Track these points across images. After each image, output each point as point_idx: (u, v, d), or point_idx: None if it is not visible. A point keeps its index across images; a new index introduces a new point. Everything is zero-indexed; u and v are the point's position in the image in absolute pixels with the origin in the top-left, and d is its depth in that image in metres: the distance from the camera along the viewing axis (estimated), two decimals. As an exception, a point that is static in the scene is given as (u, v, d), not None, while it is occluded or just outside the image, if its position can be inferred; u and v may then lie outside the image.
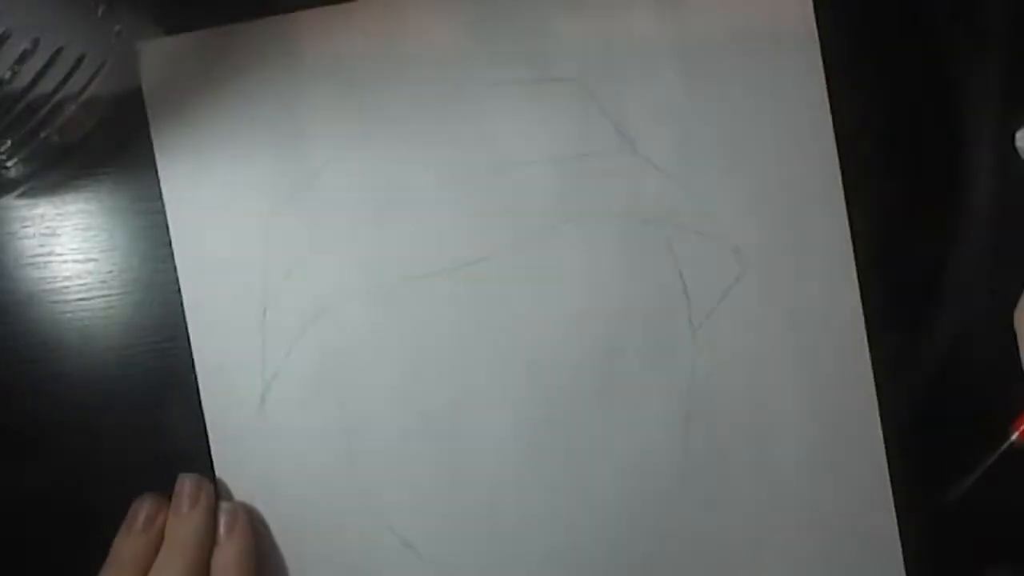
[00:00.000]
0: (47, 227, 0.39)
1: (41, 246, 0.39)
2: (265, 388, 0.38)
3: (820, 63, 0.37)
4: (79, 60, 0.34)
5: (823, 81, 0.37)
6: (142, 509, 0.37)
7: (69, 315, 0.39)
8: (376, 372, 0.38)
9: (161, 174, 0.38)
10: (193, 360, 0.38)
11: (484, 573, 0.38)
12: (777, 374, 0.37)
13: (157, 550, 0.37)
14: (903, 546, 0.37)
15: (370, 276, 0.38)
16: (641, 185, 0.37)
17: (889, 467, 0.37)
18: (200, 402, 0.38)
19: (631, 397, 0.38)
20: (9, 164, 0.36)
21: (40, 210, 0.39)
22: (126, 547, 0.36)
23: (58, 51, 0.33)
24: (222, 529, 0.37)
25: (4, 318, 0.39)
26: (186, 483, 0.37)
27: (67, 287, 0.39)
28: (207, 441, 0.38)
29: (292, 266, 0.38)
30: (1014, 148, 0.36)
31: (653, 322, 0.37)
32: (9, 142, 0.34)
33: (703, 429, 0.37)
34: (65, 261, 0.39)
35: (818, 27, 0.37)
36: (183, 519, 0.37)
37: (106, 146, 0.38)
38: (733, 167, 0.37)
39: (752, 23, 0.37)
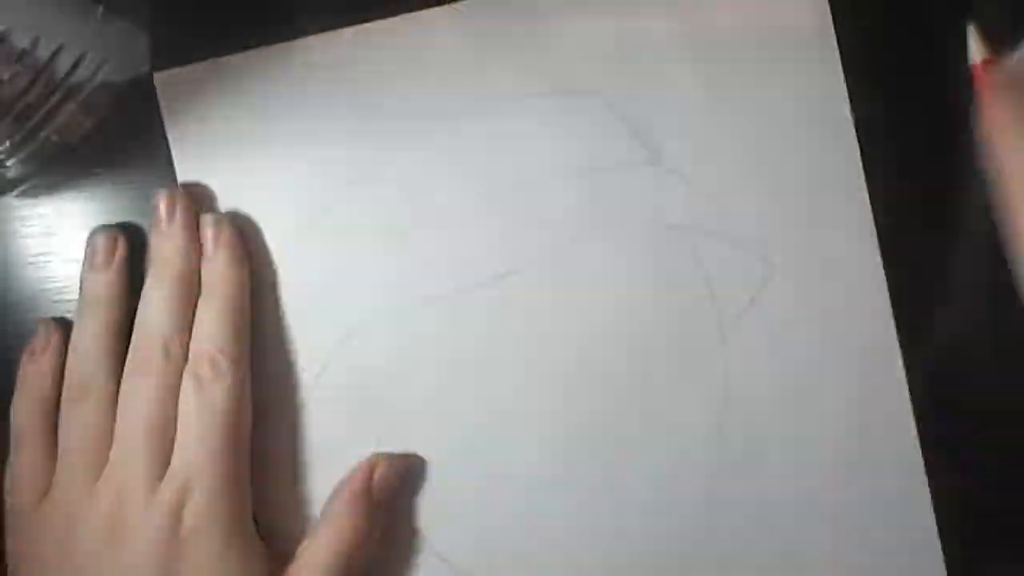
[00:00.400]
0: (47, 227, 0.39)
1: (41, 246, 0.39)
2: (297, 414, 0.38)
3: (839, 62, 0.37)
4: (78, 59, 0.34)
5: (842, 81, 0.37)
6: (97, 243, 0.37)
7: (69, 315, 0.39)
8: (408, 391, 0.38)
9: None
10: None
11: None
12: (809, 375, 0.37)
13: (126, 285, 0.36)
14: (943, 546, 0.37)
15: (398, 295, 0.38)
16: (665, 194, 0.37)
17: (925, 466, 0.37)
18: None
19: (664, 407, 0.37)
20: (8, 163, 0.36)
21: (40, 210, 0.39)
22: (92, 284, 0.37)
23: (57, 50, 0.33)
24: (209, 242, 0.36)
25: (4, 318, 0.39)
26: (162, 197, 0.37)
27: (67, 287, 0.39)
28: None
29: (318, 289, 0.38)
30: None
31: (682, 331, 0.37)
32: (8, 142, 0.34)
33: (738, 436, 0.37)
34: (65, 261, 0.39)
35: (835, 25, 0.37)
36: (164, 236, 0.36)
37: (106, 146, 0.38)
38: (756, 171, 0.37)
39: (768, 25, 0.37)
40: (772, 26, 0.37)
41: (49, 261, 0.39)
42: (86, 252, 0.37)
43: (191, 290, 0.36)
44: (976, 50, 0.35)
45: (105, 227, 0.38)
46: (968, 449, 0.37)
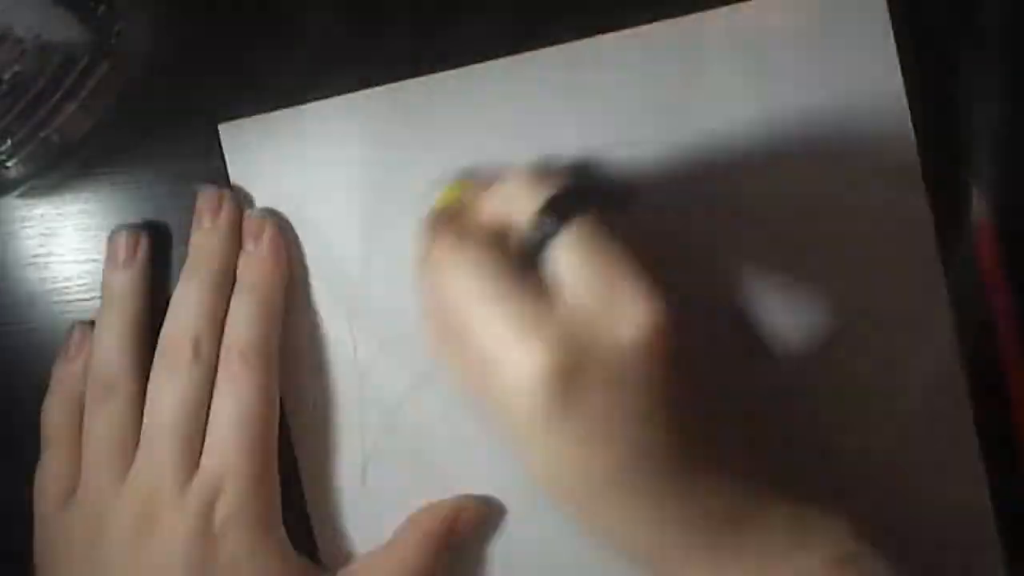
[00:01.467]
0: (47, 227, 0.39)
1: (41, 246, 0.39)
2: (366, 461, 0.38)
3: (898, 70, 0.36)
4: (79, 60, 0.34)
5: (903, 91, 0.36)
6: (118, 241, 0.37)
7: (69, 315, 0.39)
8: (476, 438, 0.37)
9: None
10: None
11: None
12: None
13: (148, 283, 0.37)
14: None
15: None
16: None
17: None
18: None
19: None
20: (9, 164, 0.36)
21: (40, 210, 0.39)
22: (114, 283, 0.37)
23: (58, 51, 0.33)
24: (251, 237, 0.36)
25: (4, 318, 0.39)
26: (207, 194, 0.37)
27: (67, 287, 0.39)
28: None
29: (386, 337, 0.37)
30: None
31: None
32: (9, 142, 0.34)
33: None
34: (65, 261, 0.39)
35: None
36: (205, 233, 0.36)
37: (106, 146, 0.38)
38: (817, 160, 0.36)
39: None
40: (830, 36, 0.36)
41: (49, 261, 0.39)
42: (108, 250, 0.37)
43: (226, 289, 0.36)
44: (978, 208, 0.35)
45: (127, 225, 0.38)
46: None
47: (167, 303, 0.37)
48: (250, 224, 0.37)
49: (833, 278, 0.37)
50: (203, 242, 0.36)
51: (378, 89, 0.37)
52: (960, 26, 0.36)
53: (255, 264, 0.36)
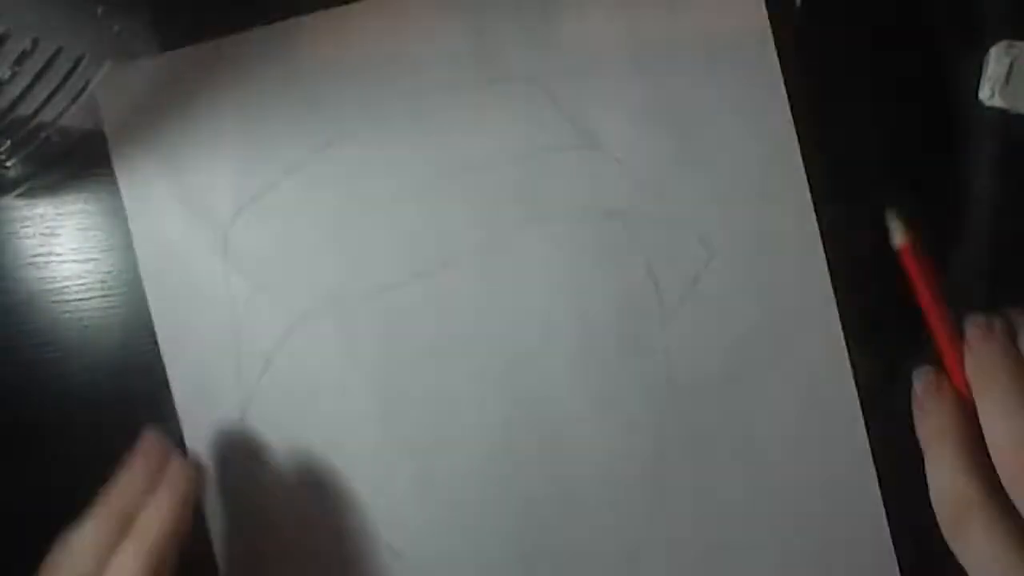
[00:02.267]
0: (47, 227, 0.39)
1: (41, 246, 0.39)
2: (244, 405, 0.38)
3: (772, 45, 0.37)
4: (78, 60, 0.34)
5: (776, 62, 0.37)
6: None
7: (69, 315, 0.39)
8: (352, 381, 0.38)
9: (124, 193, 0.38)
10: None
11: (472, 574, 0.38)
12: (753, 356, 0.37)
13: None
14: (889, 522, 0.37)
15: (338, 287, 0.38)
16: (602, 178, 0.37)
17: (870, 443, 0.37)
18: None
19: (608, 391, 0.38)
20: (9, 164, 0.36)
21: (40, 210, 0.39)
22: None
23: (58, 51, 0.33)
24: (163, 483, 0.35)
25: (4, 318, 0.39)
26: (144, 443, 0.36)
27: (67, 287, 0.39)
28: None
29: (260, 282, 0.38)
30: (978, 101, 0.37)
31: (624, 314, 0.37)
32: (9, 142, 0.34)
33: (681, 419, 0.37)
34: (65, 261, 0.39)
35: (768, 11, 0.37)
36: (126, 475, 0.35)
37: (105, 146, 0.38)
38: (692, 154, 0.37)
39: (705, 14, 0.37)
40: (708, 16, 0.37)
41: (49, 261, 0.39)
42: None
43: (123, 531, 0.35)
44: (899, 234, 0.35)
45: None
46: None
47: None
48: (169, 470, 0.35)
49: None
50: (120, 482, 0.35)
51: (249, 33, 0.38)
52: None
53: (154, 510, 0.35)
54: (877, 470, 0.37)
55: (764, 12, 0.37)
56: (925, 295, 0.34)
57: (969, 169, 0.37)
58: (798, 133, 0.37)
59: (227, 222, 0.38)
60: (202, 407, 0.38)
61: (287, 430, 0.38)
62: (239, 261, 0.38)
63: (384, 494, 0.38)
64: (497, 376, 0.38)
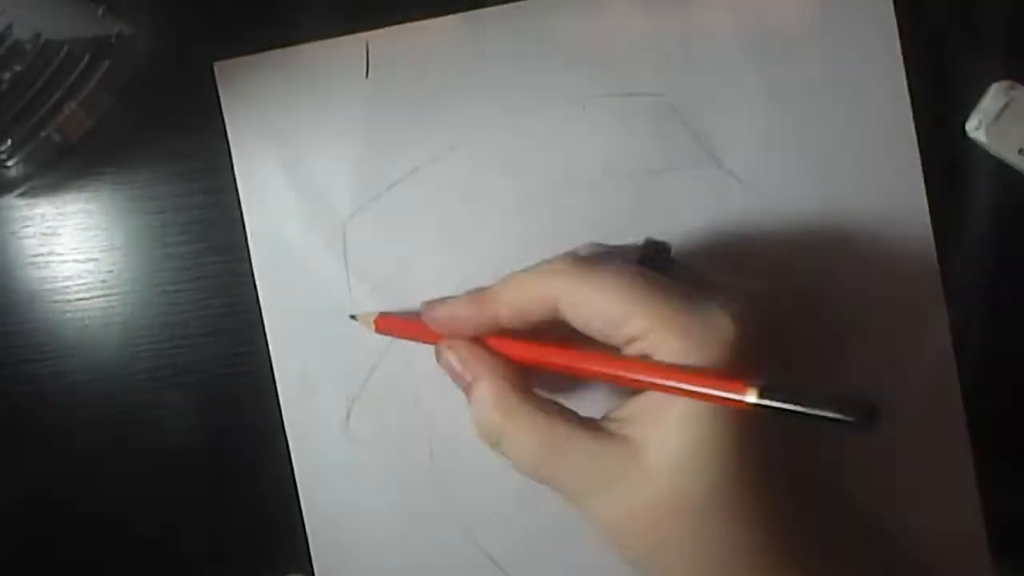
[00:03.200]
0: (47, 227, 0.39)
1: (41, 246, 0.39)
2: (350, 405, 0.38)
3: (903, 70, 0.37)
4: (79, 59, 0.34)
5: (906, 89, 0.37)
6: None
7: (69, 315, 0.39)
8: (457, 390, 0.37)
9: (241, 189, 0.38)
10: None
11: None
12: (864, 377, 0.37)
13: None
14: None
15: (452, 292, 0.37)
16: (724, 197, 0.37)
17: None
18: (195, 400, 0.38)
19: None
20: (9, 163, 0.36)
21: (40, 210, 0.39)
22: None
23: (58, 50, 0.33)
24: None
25: (4, 318, 0.39)
26: None
27: (67, 287, 0.39)
28: (206, 438, 0.38)
29: (376, 281, 0.38)
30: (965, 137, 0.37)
31: None
32: (10, 141, 0.34)
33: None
34: (65, 261, 0.39)
35: (899, 32, 0.37)
36: None
37: (106, 145, 0.38)
38: (815, 176, 0.37)
39: (832, 32, 0.37)
40: (836, 33, 0.37)
41: (50, 261, 0.39)
42: None
43: None
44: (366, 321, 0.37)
45: None
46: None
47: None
48: None
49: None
50: None
51: (378, 31, 0.37)
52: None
53: None
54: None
55: (896, 33, 0.37)
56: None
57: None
58: (922, 155, 0.37)
59: (345, 220, 0.38)
60: (307, 403, 0.38)
61: (392, 431, 0.38)
62: (355, 259, 0.38)
63: (485, 502, 0.38)
64: (602, 391, 0.37)
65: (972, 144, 0.37)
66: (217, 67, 0.38)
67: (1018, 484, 0.37)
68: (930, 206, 0.37)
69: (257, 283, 0.38)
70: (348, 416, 0.38)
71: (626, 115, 0.37)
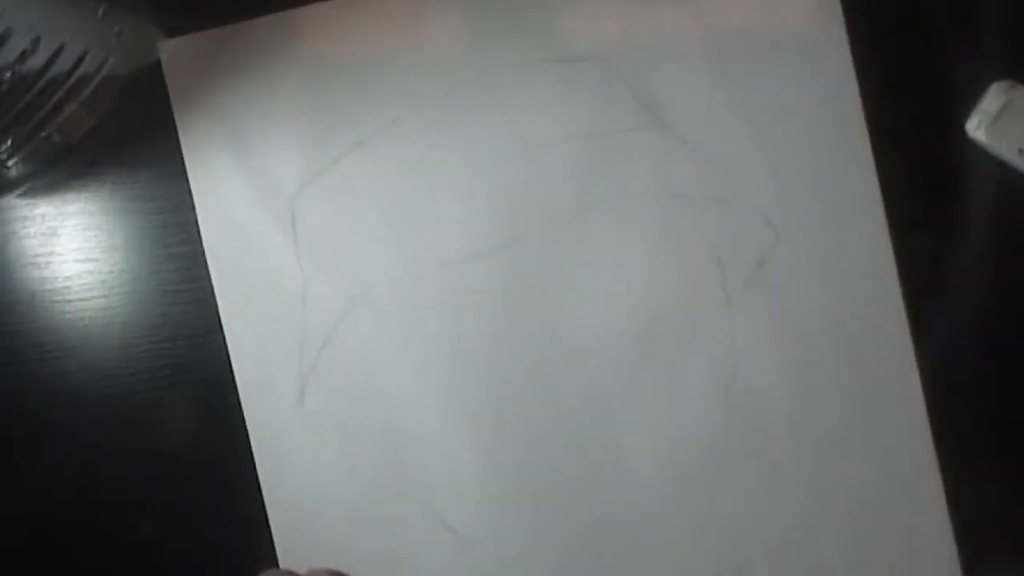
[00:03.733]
0: (48, 227, 0.39)
1: (42, 246, 0.39)
2: (304, 381, 0.38)
3: (844, 31, 0.37)
4: (79, 60, 0.34)
5: (848, 49, 0.37)
6: None
7: (69, 315, 0.39)
8: (413, 359, 0.38)
9: (189, 169, 0.38)
10: (177, 356, 0.38)
11: (526, 555, 0.38)
12: (816, 341, 0.37)
13: None
14: (950, 512, 0.37)
15: (401, 263, 0.38)
16: (669, 161, 0.37)
17: (932, 432, 0.37)
18: (195, 400, 0.38)
19: (669, 374, 0.37)
20: (10, 163, 0.36)
21: (41, 210, 0.39)
22: None
23: (58, 51, 0.33)
24: None
25: (5, 318, 0.39)
26: None
27: (68, 287, 0.39)
28: (206, 438, 0.38)
29: (325, 255, 0.38)
30: (967, 138, 0.37)
31: (688, 296, 0.37)
32: (10, 141, 0.34)
33: (743, 401, 0.37)
34: (65, 261, 0.39)
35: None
36: None
37: (106, 146, 0.38)
38: (761, 138, 0.37)
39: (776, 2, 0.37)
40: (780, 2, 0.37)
41: (50, 261, 0.39)
42: None
43: None
44: None
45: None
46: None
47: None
48: None
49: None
50: None
51: (319, 6, 0.37)
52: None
53: None
54: (939, 459, 0.37)
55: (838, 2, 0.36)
56: None
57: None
58: (867, 117, 0.37)
59: (293, 195, 0.38)
60: (263, 380, 0.38)
61: (347, 405, 0.38)
62: (304, 235, 0.38)
63: (442, 472, 0.38)
64: (558, 355, 0.37)
65: (972, 144, 0.37)
66: (161, 46, 0.38)
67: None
68: (929, 205, 0.37)
69: (208, 262, 0.38)
70: (303, 391, 0.38)
71: (569, 80, 0.37)
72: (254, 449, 0.38)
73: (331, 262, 0.38)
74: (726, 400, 0.37)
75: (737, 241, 0.37)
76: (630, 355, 0.37)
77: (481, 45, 0.37)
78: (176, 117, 0.38)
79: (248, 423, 0.38)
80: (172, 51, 0.37)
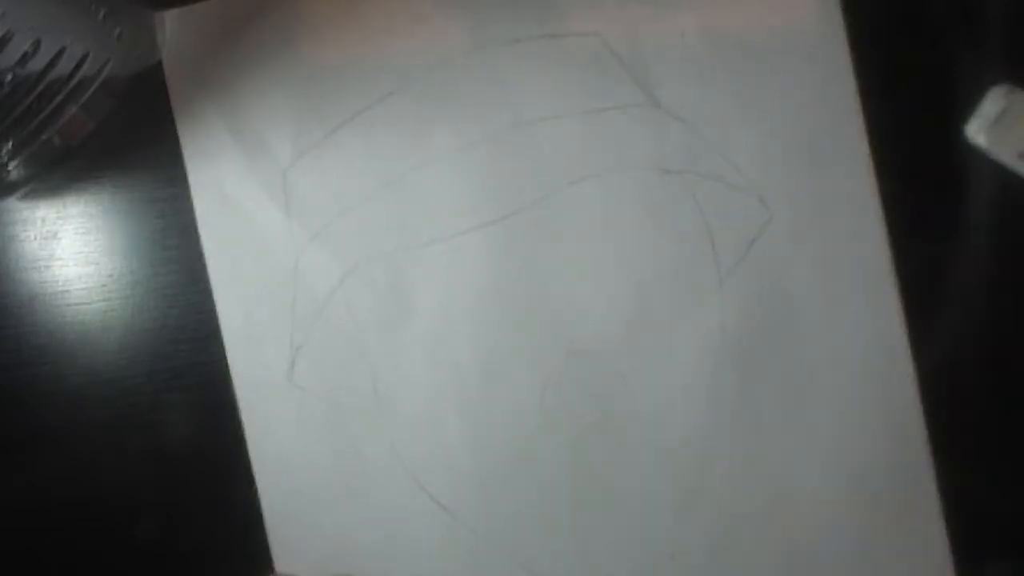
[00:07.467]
0: (48, 230, 0.39)
1: (42, 249, 0.39)
2: (294, 354, 0.38)
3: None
4: (80, 61, 0.34)
5: (842, 24, 0.37)
6: None
7: (70, 318, 0.39)
8: (404, 333, 0.38)
9: (182, 141, 0.38)
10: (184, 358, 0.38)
11: (515, 530, 0.38)
12: (808, 317, 0.37)
13: None
14: (939, 490, 0.37)
15: (395, 237, 0.38)
16: (663, 137, 0.37)
17: (923, 410, 0.37)
18: (194, 402, 0.38)
19: (660, 350, 0.37)
20: (10, 166, 0.36)
21: (41, 213, 0.39)
22: None
23: (59, 53, 0.33)
24: None
25: (5, 321, 0.39)
26: None
27: (68, 290, 0.39)
28: (205, 441, 0.38)
29: (318, 228, 0.38)
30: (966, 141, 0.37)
31: (680, 273, 0.37)
32: (10, 144, 0.34)
33: (734, 380, 0.37)
34: (66, 264, 0.39)
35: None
36: None
37: (107, 148, 0.38)
38: (753, 115, 0.37)
39: None
40: None
41: (51, 264, 0.39)
42: None
43: None
44: None
45: None
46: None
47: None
48: None
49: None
50: None
51: None
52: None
53: None
54: (929, 432, 0.37)
55: None
56: None
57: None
58: (861, 96, 0.37)
59: (286, 167, 0.38)
60: (252, 352, 0.38)
61: (337, 378, 0.38)
62: (297, 206, 0.38)
63: (432, 448, 0.38)
64: (551, 330, 0.37)
65: (972, 148, 0.37)
66: (158, 17, 0.37)
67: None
68: (928, 210, 0.37)
69: (200, 234, 0.38)
70: (293, 364, 0.38)
71: (563, 55, 0.37)
72: (243, 421, 0.38)
73: (324, 234, 0.38)
74: (716, 377, 0.37)
75: (729, 218, 0.37)
76: (621, 331, 0.37)
77: (475, 20, 0.37)
78: (176, 118, 0.38)
79: (238, 397, 0.38)
80: (168, 21, 0.37)
